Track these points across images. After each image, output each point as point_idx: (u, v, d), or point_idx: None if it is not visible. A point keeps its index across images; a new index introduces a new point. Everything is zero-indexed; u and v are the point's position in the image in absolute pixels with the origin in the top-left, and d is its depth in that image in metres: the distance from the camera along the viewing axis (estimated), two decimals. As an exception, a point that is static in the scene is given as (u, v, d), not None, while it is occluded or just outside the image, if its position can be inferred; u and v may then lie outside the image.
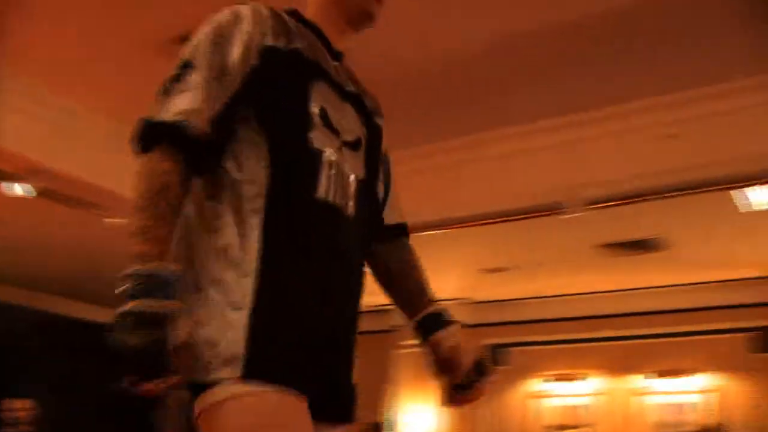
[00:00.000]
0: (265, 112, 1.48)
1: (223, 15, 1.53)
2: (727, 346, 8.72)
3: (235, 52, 1.47)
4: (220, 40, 1.48)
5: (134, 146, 1.40)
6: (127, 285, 1.25)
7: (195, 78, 1.43)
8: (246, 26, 1.50)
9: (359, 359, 1.56)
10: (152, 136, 1.39)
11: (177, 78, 1.45)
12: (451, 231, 5.93)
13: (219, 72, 1.45)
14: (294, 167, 1.48)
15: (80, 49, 4.56)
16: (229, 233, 1.41)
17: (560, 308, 9.31)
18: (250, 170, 1.45)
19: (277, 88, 1.50)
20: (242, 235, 1.41)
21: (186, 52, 1.49)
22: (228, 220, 1.43)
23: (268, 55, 1.50)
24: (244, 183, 1.45)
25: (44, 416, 8.76)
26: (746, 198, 5.46)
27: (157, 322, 1.22)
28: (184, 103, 1.40)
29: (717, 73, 4.59)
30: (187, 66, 1.46)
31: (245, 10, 1.53)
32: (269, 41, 1.51)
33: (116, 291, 1.25)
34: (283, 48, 1.53)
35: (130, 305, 1.23)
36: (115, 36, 4.40)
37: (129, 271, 1.27)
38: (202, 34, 1.50)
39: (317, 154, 1.51)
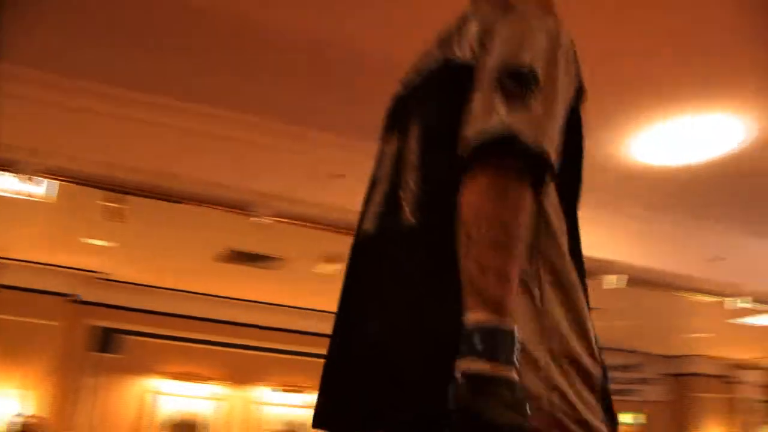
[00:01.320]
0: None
1: (562, 32, 1.28)
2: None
3: (572, 87, 1.28)
4: (565, 64, 1.25)
5: (495, 167, 1.12)
6: (506, 343, 1.00)
7: (554, 103, 1.20)
8: (573, 53, 1.30)
9: None
10: (532, 164, 1.13)
11: (530, 89, 1.18)
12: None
13: (566, 105, 1.24)
14: (574, 219, 1.32)
15: None
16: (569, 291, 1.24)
17: (183, 305, 9.17)
18: (559, 220, 1.25)
19: (574, 132, 1.30)
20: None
21: (532, 60, 1.21)
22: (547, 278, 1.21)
23: (579, 96, 1.32)
24: (559, 234, 1.24)
25: None
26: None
27: (521, 398, 0.97)
28: (555, 135, 1.18)
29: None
30: (536, 79, 1.19)
31: (568, 35, 1.29)
32: (579, 80, 1.33)
33: (496, 346, 0.99)
34: (580, 87, 1.35)
35: (500, 371, 0.98)
36: None
37: (488, 323, 1.01)
38: (548, 46, 1.24)
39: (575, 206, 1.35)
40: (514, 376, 1.00)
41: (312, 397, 7.21)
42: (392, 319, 1.21)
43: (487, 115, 1.16)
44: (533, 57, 1.22)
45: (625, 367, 11.64)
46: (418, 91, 1.44)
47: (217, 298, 9.09)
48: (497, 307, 1.03)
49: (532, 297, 1.18)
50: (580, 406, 1.15)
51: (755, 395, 11.97)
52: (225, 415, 9.26)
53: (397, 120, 1.48)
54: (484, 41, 1.29)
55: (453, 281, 1.11)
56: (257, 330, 9.33)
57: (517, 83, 1.18)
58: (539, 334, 1.16)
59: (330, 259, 6.93)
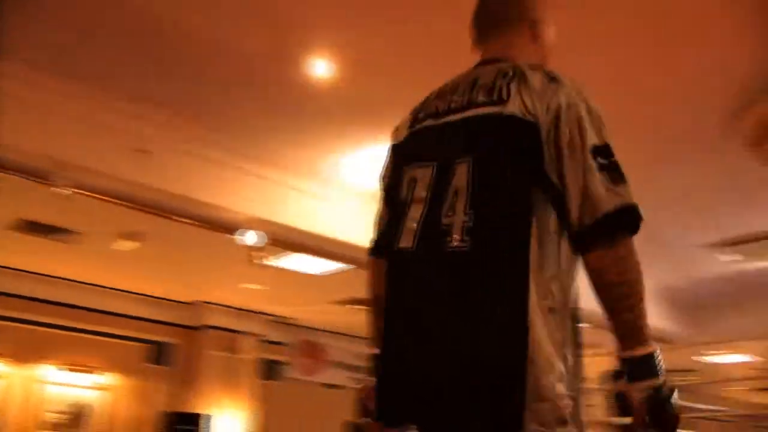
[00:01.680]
0: None
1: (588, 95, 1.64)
2: (126, 351, 9.27)
3: None
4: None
5: (623, 233, 1.52)
6: (659, 362, 1.48)
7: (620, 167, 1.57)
8: None
9: None
10: (639, 223, 1.54)
11: (615, 163, 1.56)
12: None
13: None
14: None
15: None
16: None
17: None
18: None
19: None
20: None
21: (604, 136, 1.59)
22: None
23: None
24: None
25: None
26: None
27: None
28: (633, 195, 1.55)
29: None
30: (612, 150, 1.58)
31: None
32: None
33: (656, 365, 1.49)
34: None
35: (663, 381, 1.48)
36: None
37: (658, 352, 1.49)
38: (598, 113, 1.62)
39: None
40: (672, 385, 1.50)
41: (102, 378, 7.06)
42: (462, 331, 1.52)
43: (606, 189, 1.53)
44: (606, 132, 1.60)
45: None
46: (466, 131, 1.69)
47: (2, 269, 8.54)
48: (649, 340, 1.51)
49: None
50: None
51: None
52: (1, 394, 8.72)
53: (431, 147, 1.75)
54: (557, 109, 1.59)
55: (505, 303, 1.50)
56: (45, 305, 8.87)
57: (607, 159, 1.56)
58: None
59: (128, 237, 6.75)
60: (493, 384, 1.45)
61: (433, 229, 1.62)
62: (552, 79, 1.64)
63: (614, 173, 1.54)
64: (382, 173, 1.93)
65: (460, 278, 1.54)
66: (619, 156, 1.59)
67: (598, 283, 1.51)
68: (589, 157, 1.54)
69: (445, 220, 1.60)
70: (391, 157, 1.90)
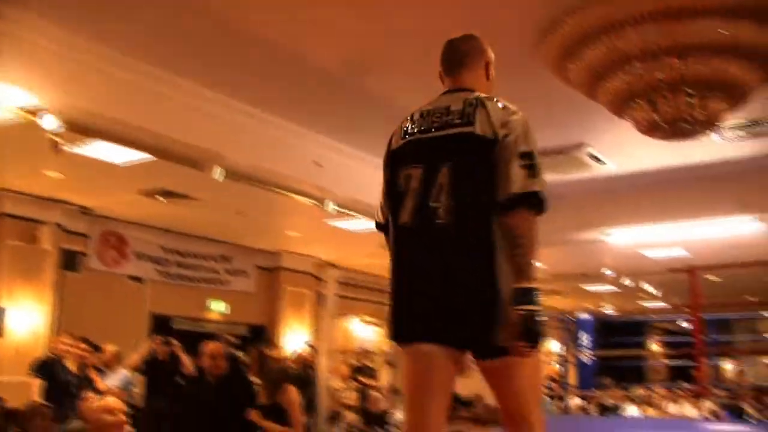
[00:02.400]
0: None
1: (525, 117, 2.50)
2: None
3: None
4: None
5: (535, 208, 2.39)
6: (537, 295, 2.34)
7: (540, 165, 2.43)
8: None
9: None
10: (542, 204, 2.40)
11: (535, 165, 2.41)
12: None
13: None
14: None
15: None
16: None
17: None
18: None
19: None
20: None
21: (530, 145, 2.43)
22: None
23: None
24: None
25: None
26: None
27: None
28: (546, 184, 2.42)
29: None
30: (534, 155, 2.42)
31: None
32: None
33: (534, 297, 2.33)
34: None
35: (539, 308, 2.32)
36: None
37: (537, 286, 2.35)
38: (530, 130, 2.46)
39: None
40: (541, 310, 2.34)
41: None
42: (452, 275, 2.39)
43: (524, 179, 2.36)
44: (533, 142, 2.44)
45: (218, 257, 12.26)
46: (446, 143, 2.50)
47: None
48: (534, 278, 2.34)
49: None
50: None
51: (333, 291, 13.41)
52: None
53: (420, 154, 2.55)
54: (505, 129, 2.43)
55: (478, 257, 2.37)
56: None
57: (530, 161, 2.39)
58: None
59: None
60: (476, 307, 2.35)
61: (424, 210, 2.46)
62: (503, 107, 2.50)
63: (531, 171, 2.38)
64: (384, 171, 2.70)
65: (447, 242, 2.41)
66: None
67: (507, 235, 2.35)
68: (517, 158, 2.38)
69: (432, 204, 2.44)
70: (388, 159, 2.68)
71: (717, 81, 5.37)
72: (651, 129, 5.83)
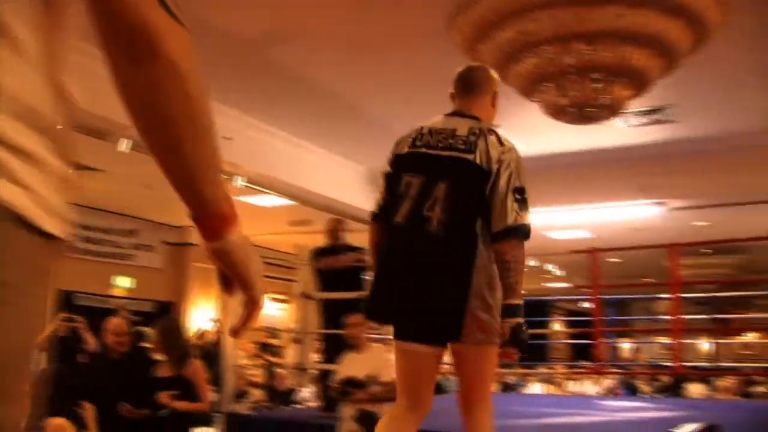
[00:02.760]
0: None
1: (518, 153, 2.84)
2: None
3: None
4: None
5: (523, 237, 2.73)
6: (522, 310, 2.70)
7: (528, 199, 2.77)
8: None
9: None
10: (529, 234, 2.75)
11: (525, 199, 2.75)
12: None
13: None
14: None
15: None
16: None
17: None
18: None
19: None
20: None
21: (522, 181, 2.76)
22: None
23: None
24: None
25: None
26: None
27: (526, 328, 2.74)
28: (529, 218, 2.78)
29: None
30: (525, 191, 2.76)
31: None
32: None
33: (520, 311, 2.69)
34: None
35: (523, 320, 2.68)
36: None
37: (521, 303, 2.71)
38: (522, 166, 2.80)
39: None
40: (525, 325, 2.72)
41: None
42: (435, 278, 2.74)
43: (514, 212, 2.69)
44: (524, 178, 2.76)
45: (124, 232, 11.95)
46: (447, 163, 2.81)
47: None
48: (520, 296, 2.70)
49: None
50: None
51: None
52: None
53: (423, 166, 2.86)
54: (500, 164, 2.74)
55: (460, 266, 2.70)
56: None
57: (521, 195, 2.72)
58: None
59: None
60: (449, 309, 2.69)
61: (418, 217, 2.77)
62: (501, 142, 2.80)
63: (522, 204, 2.72)
64: (386, 170, 3.00)
65: (435, 249, 2.74)
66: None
67: (498, 260, 2.70)
68: (511, 193, 2.71)
69: (426, 213, 2.75)
70: (393, 162, 2.97)
71: (623, 68, 5.53)
72: (558, 113, 5.96)
